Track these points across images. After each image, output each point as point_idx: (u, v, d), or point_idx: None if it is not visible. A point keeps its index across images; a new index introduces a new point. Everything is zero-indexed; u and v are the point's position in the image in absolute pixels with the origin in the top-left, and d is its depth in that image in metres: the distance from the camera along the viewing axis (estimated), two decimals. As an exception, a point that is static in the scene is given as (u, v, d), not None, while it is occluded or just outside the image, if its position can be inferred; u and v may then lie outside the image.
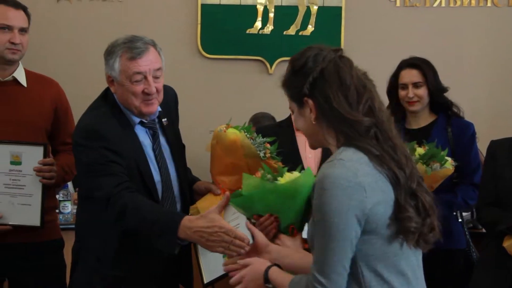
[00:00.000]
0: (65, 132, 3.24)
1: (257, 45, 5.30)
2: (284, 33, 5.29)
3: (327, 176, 1.86)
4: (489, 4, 5.32)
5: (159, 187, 2.68)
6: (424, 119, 3.53)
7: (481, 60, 5.30)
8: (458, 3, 5.33)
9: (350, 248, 1.87)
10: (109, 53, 2.64)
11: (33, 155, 3.02)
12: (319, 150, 3.13)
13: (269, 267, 2.12)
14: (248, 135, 2.79)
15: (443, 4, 5.33)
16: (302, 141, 3.18)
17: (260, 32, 5.30)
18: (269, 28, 5.30)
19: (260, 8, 5.28)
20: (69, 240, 3.36)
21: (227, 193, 2.51)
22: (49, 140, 3.20)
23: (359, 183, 1.85)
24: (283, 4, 5.29)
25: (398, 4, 5.34)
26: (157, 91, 2.65)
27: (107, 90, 2.74)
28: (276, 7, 5.28)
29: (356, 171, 1.86)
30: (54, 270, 3.21)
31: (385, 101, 3.52)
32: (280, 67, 5.14)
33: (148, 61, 2.61)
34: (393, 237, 1.90)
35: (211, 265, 2.76)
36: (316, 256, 1.91)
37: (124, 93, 2.63)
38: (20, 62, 3.17)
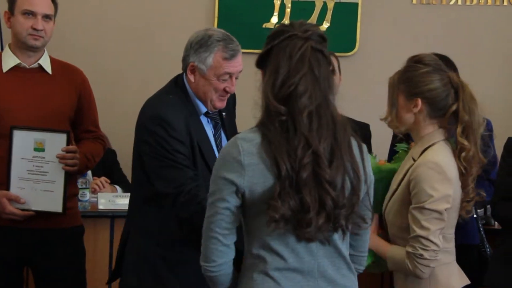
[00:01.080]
0: (88, 120, 3.28)
1: (273, 40, 5.33)
2: (300, 28, 5.31)
3: (221, 150, 2.07)
4: (505, 3, 5.33)
5: None
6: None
7: (496, 58, 5.31)
8: (474, 1, 5.34)
9: (226, 216, 2.00)
10: (202, 45, 2.71)
11: (56, 142, 3.04)
12: None
13: None
14: None
15: (459, 2, 5.35)
16: None
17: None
18: (286, 23, 5.32)
19: (277, 3, 5.31)
20: (87, 227, 3.43)
21: None
22: (72, 128, 3.23)
23: (239, 161, 1.96)
24: (300, -1, 5.33)
25: (414, 1, 5.36)
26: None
27: (177, 77, 2.84)
28: (293, 2, 5.32)
29: (242, 149, 1.97)
30: (74, 256, 3.25)
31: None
32: (296, 61, 5.16)
33: (238, 63, 2.74)
34: (265, 218, 1.95)
35: None
36: None
37: (205, 86, 2.74)
38: (45, 50, 3.20)
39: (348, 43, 5.35)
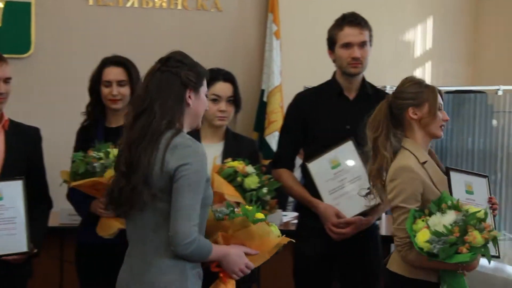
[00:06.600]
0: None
1: None
2: (-33, 27, 4.94)
3: None
4: (179, 7, 5.51)
5: None
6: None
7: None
8: (150, 4, 5.44)
9: None
10: None
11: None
12: None
13: None
14: None
15: (135, 5, 5.41)
16: None
17: None
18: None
19: None
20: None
21: None
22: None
23: None
24: (-35, -4, 4.95)
25: (90, 2, 5.31)
26: None
27: None
28: (-41, -1, 4.92)
29: None
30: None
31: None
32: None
33: None
34: None
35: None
36: None
37: None
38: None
39: (23, 45, 5.11)
